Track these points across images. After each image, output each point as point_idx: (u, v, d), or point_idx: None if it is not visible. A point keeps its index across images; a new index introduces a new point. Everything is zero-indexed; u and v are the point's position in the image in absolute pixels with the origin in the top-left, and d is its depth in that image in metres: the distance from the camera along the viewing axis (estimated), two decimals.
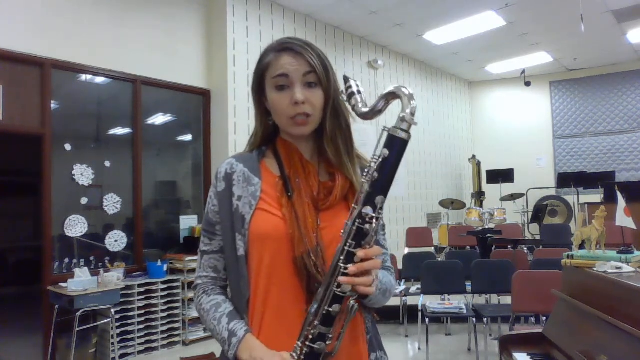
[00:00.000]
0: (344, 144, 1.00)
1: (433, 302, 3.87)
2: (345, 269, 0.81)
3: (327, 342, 0.83)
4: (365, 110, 0.88)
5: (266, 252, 0.94)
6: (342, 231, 0.84)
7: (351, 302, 0.84)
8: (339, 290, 0.82)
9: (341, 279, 0.80)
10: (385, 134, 0.84)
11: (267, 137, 1.05)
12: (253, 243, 0.94)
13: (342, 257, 0.82)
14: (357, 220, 0.82)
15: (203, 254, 1.03)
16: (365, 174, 0.84)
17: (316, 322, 0.82)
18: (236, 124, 4.95)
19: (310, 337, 0.82)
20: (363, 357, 0.97)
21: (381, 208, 0.83)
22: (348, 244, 0.82)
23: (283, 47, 0.97)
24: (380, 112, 0.88)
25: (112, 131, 4.50)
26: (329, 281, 0.83)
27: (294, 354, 0.83)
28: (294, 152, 1.00)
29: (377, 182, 0.83)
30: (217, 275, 1.03)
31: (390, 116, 1.01)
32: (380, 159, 0.83)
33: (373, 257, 0.82)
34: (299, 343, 0.84)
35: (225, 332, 0.92)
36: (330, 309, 0.82)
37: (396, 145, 0.83)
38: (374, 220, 0.82)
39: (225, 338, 0.92)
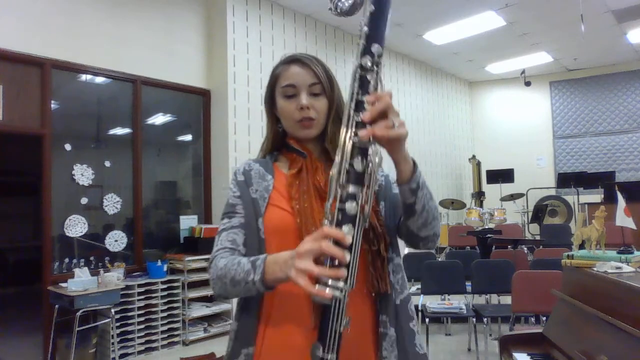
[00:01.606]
0: None
1: (433, 302, 3.87)
2: (358, 117, 0.80)
3: (359, 202, 0.78)
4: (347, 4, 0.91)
5: (274, 245, 0.97)
6: (349, 85, 0.84)
7: (373, 148, 0.80)
8: (357, 139, 0.79)
9: (360, 132, 0.78)
10: None
11: (277, 143, 1.13)
12: (266, 236, 1.00)
13: (352, 107, 0.82)
14: (359, 71, 0.82)
15: (222, 231, 1.04)
16: (359, 31, 0.84)
17: (342, 181, 0.79)
18: (236, 124, 4.95)
19: (339, 197, 0.79)
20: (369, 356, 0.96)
21: (379, 56, 0.82)
22: (355, 93, 0.82)
23: (291, 59, 1.07)
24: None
25: (112, 131, 4.50)
26: (345, 132, 0.81)
27: (326, 220, 0.80)
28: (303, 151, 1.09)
29: (369, 34, 0.82)
30: (235, 247, 1.01)
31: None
32: (368, 14, 0.83)
33: (381, 97, 0.80)
34: (328, 205, 0.80)
35: (248, 264, 0.91)
36: (353, 163, 0.79)
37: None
38: (376, 67, 0.82)
39: (249, 268, 0.90)
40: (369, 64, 0.82)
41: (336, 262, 0.76)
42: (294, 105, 1.04)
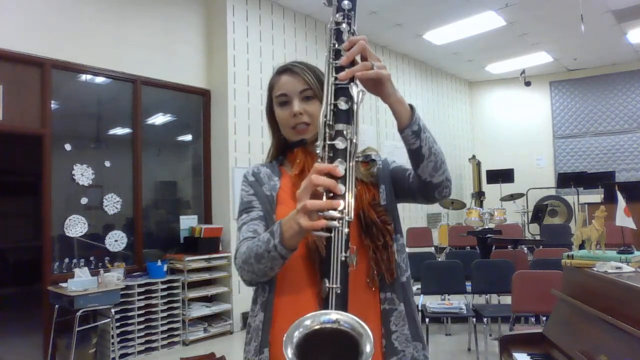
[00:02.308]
0: None
1: (433, 302, 3.87)
2: (336, 64, 0.86)
3: (347, 137, 0.83)
4: None
5: None
6: (325, 41, 0.91)
7: (354, 88, 0.86)
8: (338, 82, 0.85)
9: (340, 74, 0.85)
10: None
11: (281, 148, 1.19)
12: None
13: (332, 57, 0.88)
14: (333, 26, 0.89)
15: (242, 226, 1.07)
16: None
17: (329, 121, 0.84)
18: (236, 124, 4.95)
19: (329, 136, 0.84)
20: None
21: (350, 10, 0.90)
22: (332, 44, 0.88)
23: (282, 69, 1.13)
24: None
25: (112, 131, 4.50)
26: (327, 80, 0.87)
27: (319, 159, 0.84)
28: (305, 150, 1.12)
29: None
30: (256, 236, 1.02)
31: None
32: None
33: (356, 42, 0.86)
34: (320, 143, 0.85)
35: (266, 235, 0.94)
36: (336, 102, 0.85)
37: None
38: (347, 19, 0.89)
39: (269, 237, 0.92)
40: (341, 18, 0.89)
41: (331, 195, 0.80)
42: (287, 112, 1.09)
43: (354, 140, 0.84)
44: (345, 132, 0.83)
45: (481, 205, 8.10)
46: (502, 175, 7.96)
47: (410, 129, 0.93)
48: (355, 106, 0.85)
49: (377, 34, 6.62)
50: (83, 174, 4.10)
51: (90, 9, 4.20)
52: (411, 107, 0.94)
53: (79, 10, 4.13)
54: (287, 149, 1.17)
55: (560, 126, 8.74)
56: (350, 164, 0.82)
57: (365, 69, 0.85)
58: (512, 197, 7.61)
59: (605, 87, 8.33)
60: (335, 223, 0.78)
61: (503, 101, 9.31)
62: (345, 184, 0.81)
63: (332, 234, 0.79)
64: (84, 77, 4.25)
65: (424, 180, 0.99)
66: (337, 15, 0.89)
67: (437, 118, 8.38)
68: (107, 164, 4.29)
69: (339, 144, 0.83)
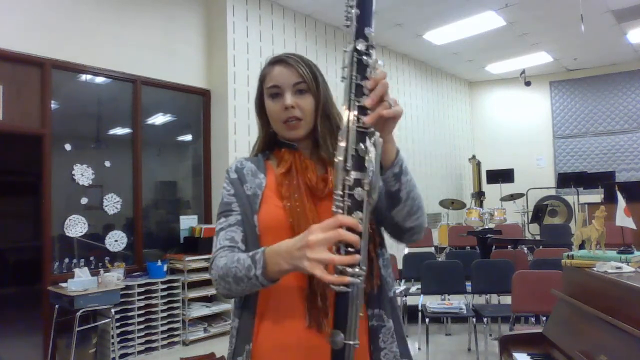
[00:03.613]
0: (333, 141, 1.05)
1: (433, 302, 3.87)
2: (359, 102, 0.81)
3: (365, 189, 0.80)
4: None
5: (268, 243, 0.94)
6: (343, 68, 0.85)
7: (376, 136, 0.82)
8: (360, 126, 0.81)
9: (365, 118, 0.80)
10: None
11: (269, 142, 1.14)
12: (261, 233, 1.00)
13: (352, 92, 0.82)
14: (355, 54, 0.83)
15: (219, 231, 1.02)
16: (346, 11, 0.85)
17: (348, 167, 0.80)
18: (236, 124, 4.95)
19: (348, 184, 0.80)
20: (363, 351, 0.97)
21: (372, 45, 0.84)
22: (353, 77, 0.82)
23: (275, 60, 1.08)
24: None
25: (112, 131, 4.50)
26: (347, 118, 0.82)
27: (338, 208, 0.80)
28: (293, 152, 1.09)
29: (361, 17, 0.83)
30: (234, 245, 0.99)
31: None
32: None
33: (380, 82, 0.81)
34: (339, 192, 0.81)
35: (248, 260, 0.89)
36: (357, 149, 0.80)
37: None
38: (371, 50, 0.83)
39: (250, 263, 0.88)
40: (364, 48, 0.83)
41: (349, 249, 0.78)
42: (279, 105, 1.05)
43: (374, 195, 0.81)
44: (363, 182, 0.79)
45: (481, 205, 8.10)
46: (502, 175, 7.96)
47: (392, 171, 0.91)
48: (376, 154, 0.82)
49: (377, 34, 6.53)
50: (83, 174, 4.10)
51: (90, 9, 4.20)
52: (397, 148, 0.92)
53: (79, 10, 4.12)
54: (275, 144, 1.13)
55: (560, 126, 8.74)
56: (367, 218, 0.80)
57: (386, 109, 0.82)
58: (512, 197, 7.61)
59: (605, 87, 8.33)
60: (358, 280, 0.77)
61: (503, 101, 9.31)
62: (360, 238, 0.79)
63: (351, 290, 0.77)
64: (84, 77, 4.25)
65: (396, 222, 0.97)
66: (360, 44, 0.82)
67: (437, 118, 8.38)
68: (107, 164, 4.29)
69: (358, 195, 0.79)
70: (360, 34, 0.83)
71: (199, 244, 4.53)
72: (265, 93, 1.08)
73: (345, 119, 0.83)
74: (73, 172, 4.04)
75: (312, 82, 1.06)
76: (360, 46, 0.82)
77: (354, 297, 0.78)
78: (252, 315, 0.98)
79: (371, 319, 0.99)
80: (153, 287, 4.13)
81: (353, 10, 0.84)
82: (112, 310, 3.70)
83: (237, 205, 1.03)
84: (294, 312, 0.94)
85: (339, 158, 0.81)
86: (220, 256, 0.97)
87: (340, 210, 0.80)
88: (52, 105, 3.96)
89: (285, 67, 1.05)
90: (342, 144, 0.81)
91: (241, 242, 1.00)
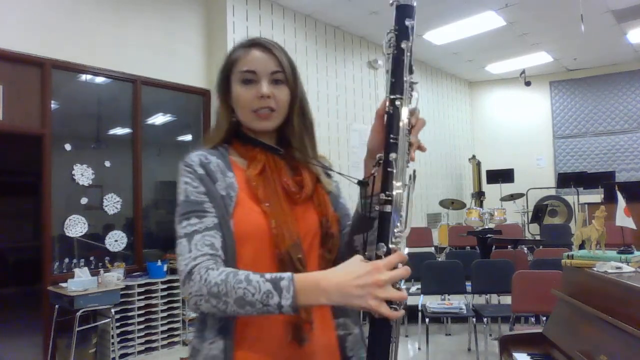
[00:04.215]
0: (310, 141, 1.03)
1: (433, 302, 3.87)
2: (393, 138, 0.82)
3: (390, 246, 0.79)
4: None
5: (247, 251, 0.89)
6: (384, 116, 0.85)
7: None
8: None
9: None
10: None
11: (231, 134, 1.02)
12: (237, 240, 0.90)
13: (404, 134, 0.82)
14: (389, 108, 0.83)
15: (194, 233, 0.86)
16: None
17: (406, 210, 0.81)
18: None
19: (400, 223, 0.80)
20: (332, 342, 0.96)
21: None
22: (392, 138, 0.82)
23: (253, 42, 0.98)
24: None
25: (112, 131, 4.50)
26: (402, 150, 0.81)
27: (394, 245, 0.80)
28: (259, 149, 0.99)
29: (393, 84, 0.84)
30: (215, 252, 0.85)
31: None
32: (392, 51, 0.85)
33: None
34: (398, 225, 0.80)
35: (267, 284, 0.77)
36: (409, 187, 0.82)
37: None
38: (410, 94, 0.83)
39: (270, 289, 0.76)
40: (397, 98, 0.84)
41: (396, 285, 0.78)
42: (252, 93, 0.95)
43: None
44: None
45: (481, 205, 8.10)
46: (502, 175, 7.96)
47: (365, 197, 0.89)
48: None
49: (377, 34, 6.62)
50: (83, 174, 4.10)
51: (90, 9, 4.20)
52: None
53: (79, 10, 4.12)
54: (236, 136, 1.01)
55: (560, 126, 8.74)
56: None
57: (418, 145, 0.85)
58: (512, 197, 7.61)
59: (605, 87, 8.33)
60: (403, 312, 0.78)
61: (503, 101, 9.31)
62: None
63: (393, 323, 0.78)
64: (84, 77, 4.25)
65: (352, 247, 0.95)
66: (394, 95, 0.83)
67: (437, 118, 8.38)
68: (107, 164, 4.29)
69: (405, 233, 0.80)
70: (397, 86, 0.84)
71: None
72: (236, 78, 0.97)
73: (400, 162, 0.81)
74: (73, 172, 4.04)
75: (290, 73, 0.98)
76: (399, 95, 0.84)
77: (397, 329, 0.79)
78: (231, 340, 0.87)
79: (337, 328, 0.96)
80: (153, 287, 4.13)
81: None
82: (112, 310, 3.70)
83: (212, 206, 0.89)
84: (276, 330, 0.89)
85: (400, 196, 0.80)
86: (207, 267, 0.82)
87: (396, 246, 0.79)
88: (52, 105, 3.96)
89: (264, 53, 0.97)
90: (398, 183, 0.80)
91: (221, 250, 0.87)
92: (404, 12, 0.84)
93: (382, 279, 0.74)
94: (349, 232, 0.99)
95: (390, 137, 0.81)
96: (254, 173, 0.94)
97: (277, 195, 0.93)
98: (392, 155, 0.80)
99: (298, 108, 1.01)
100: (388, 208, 0.79)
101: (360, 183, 0.88)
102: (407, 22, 0.84)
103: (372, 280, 0.74)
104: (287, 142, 1.01)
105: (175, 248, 0.89)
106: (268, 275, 0.78)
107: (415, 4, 0.85)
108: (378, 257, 0.78)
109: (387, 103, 0.83)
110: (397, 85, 0.83)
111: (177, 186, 0.96)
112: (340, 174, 1.05)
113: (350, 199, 1.02)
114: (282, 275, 0.78)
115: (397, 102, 0.82)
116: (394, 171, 0.80)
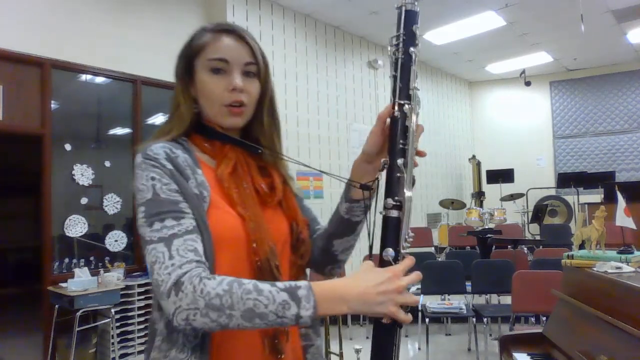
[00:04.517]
0: (279, 141, 0.98)
1: (433, 302, 3.87)
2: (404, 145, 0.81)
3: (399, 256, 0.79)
4: None
5: (224, 257, 0.81)
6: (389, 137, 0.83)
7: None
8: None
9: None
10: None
11: (190, 127, 0.91)
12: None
13: (411, 157, 0.80)
14: (397, 113, 0.82)
15: (172, 237, 0.75)
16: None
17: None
18: None
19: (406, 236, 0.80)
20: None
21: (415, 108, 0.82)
22: (401, 144, 0.81)
23: (225, 28, 0.90)
24: None
25: (112, 131, 4.50)
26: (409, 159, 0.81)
27: (404, 249, 0.80)
28: (229, 146, 0.90)
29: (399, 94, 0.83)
30: (200, 259, 0.76)
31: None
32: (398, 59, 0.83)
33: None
34: (408, 232, 0.80)
35: (281, 294, 0.71)
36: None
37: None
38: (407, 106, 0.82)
39: (286, 299, 0.70)
40: (405, 105, 0.83)
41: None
42: (222, 84, 0.87)
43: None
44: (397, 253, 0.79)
45: (481, 205, 8.10)
46: (502, 175, 7.96)
47: (366, 202, 0.88)
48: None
49: (377, 34, 6.62)
50: (83, 174, 4.10)
51: (90, 9, 4.20)
52: None
53: (79, 11, 4.12)
54: (197, 129, 0.91)
55: (560, 126, 8.74)
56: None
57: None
58: (512, 197, 7.61)
59: (605, 87, 8.33)
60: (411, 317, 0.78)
61: (503, 101, 9.31)
62: None
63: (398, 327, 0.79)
64: (84, 77, 4.25)
65: (331, 251, 0.93)
66: (403, 101, 0.82)
67: (437, 118, 8.38)
68: (107, 164, 4.28)
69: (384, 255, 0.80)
70: (404, 94, 0.83)
71: None
72: (203, 65, 0.88)
73: (405, 176, 0.80)
74: (73, 172, 4.04)
75: (264, 67, 0.91)
76: (401, 102, 0.83)
77: (399, 332, 0.79)
78: (206, 354, 0.80)
79: (301, 338, 0.94)
80: None
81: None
82: (112, 310, 3.70)
83: (187, 206, 0.79)
84: (252, 339, 0.84)
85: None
86: (201, 276, 0.72)
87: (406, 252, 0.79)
88: (52, 105, 3.96)
89: (238, 42, 0.89)
90: (409, 193, 0.80)
91: (204, 257, 0.77)
92: (411, 17, 0.84)
93: (402, 284, 0.74)
94: (327, 236, 0.96)
95: (399, 143, 0.81)
96: (226, 172, 0.86)
97: (252, 198, 0.86)
98: (401, 161, 0.80)
99: (268, 104, 0.95)
100: (396, 213, 0.79)
101: (363, 187, 0.87)
102: (414, 28, 0.84)
103: (394, 286, 0.73)
104: (254, 141, 0.94)
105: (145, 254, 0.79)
106: (281, 285, 0.72)
107: (418, 9, 0.85)
108: (386, 263, 0.77)
109: (396, 108, 0.82)
110: (404, 91, 0.83)
111: (136, 182, 0.81)
112: (337, 177, 1.00)
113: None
114: (298, 284, 0.72)
115: (406, 108, 0.82)
116: (404, 176, 0.79)
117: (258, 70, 0.90)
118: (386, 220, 0.79)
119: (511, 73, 8.57)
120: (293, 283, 0.73)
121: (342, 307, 0.72)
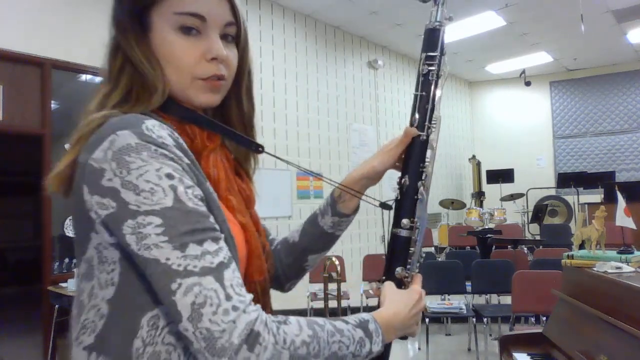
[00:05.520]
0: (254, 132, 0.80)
1: (433, 302, 3.87)
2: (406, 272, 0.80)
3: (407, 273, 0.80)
4: None
5: None
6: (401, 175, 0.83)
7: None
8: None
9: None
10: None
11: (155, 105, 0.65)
12: None
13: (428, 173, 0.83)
14: (423, 136, 0.84)
15: (221, 268, 0.55)
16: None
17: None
18: None
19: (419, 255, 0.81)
20: None
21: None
22: (421, 166, 0.84)
23: None
24: None
25: None
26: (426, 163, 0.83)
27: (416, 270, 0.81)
28: (207, 134, 0.69)
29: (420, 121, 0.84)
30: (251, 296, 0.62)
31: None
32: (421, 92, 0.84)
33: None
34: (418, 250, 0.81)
35: (357, 331, 0.64)
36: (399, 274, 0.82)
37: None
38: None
39: (362, 336, 0.64)
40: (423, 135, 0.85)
41: None
42: (197, 50, 0.64)
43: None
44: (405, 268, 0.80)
45: (481, 205, 8.10)
46: (502, 175, 7.96)
47: (352, 217, 0.86)
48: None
49: (377, 34, 6.62)
50: None
51: (91, 9, 4.20)
52: None
53: (79, 11, 4.12)
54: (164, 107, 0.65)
55: (560, 126, 8.74)
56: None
57: None
58: (512, 197, 7.61)
59: (605, 87, 8.33)
60: None
61: (503, 101, 9.31)
62: None
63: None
64: (84, 77, 4.25)
65: (302, 267, 0.87)
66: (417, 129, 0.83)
67: None
68: None
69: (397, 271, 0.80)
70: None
71: None
72: (167, 20, 0.64)
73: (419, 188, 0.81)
74: None
75: (244, 32, 0.70)
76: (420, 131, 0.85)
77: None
78: None
79: None
80: None
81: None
82: None
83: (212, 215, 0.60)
84: None
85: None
86: (276, 321, 0.57)
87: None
88: (52, 105, 3.95)
89: None
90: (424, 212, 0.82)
91: None
92: (443, 37, 0.84)
93: (421, 305, 0.77)
94: (300, 251, 0.86)
95: (420, 166, 0.83)
96: (222, 171, 0.68)
97: (243, 203, 0.71)
98: (420, 183, 0.83)
99: (246, 87, 0.75)
100: (407, 233, 0.80)
101: (383, 206, 0.84)
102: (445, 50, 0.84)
103: (421, 307, 0.76)
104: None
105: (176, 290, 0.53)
106: (351, 320, 0.65)
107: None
108: (400, 281, 0.79)
109: (425, 130, 0.82)
110: (432, 113, 0.84)
111: (130, 177, 0.55)
112: (351, 190, 0.84)
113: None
114: (365, 318, 0.66)
115: (431, 131, 0.83)
116: (424, 199, 0.81)
117: (238, 34, 0.69)
118: (399, 239, 0.80)
119: (511, 73, 8.57)
120: (360, 316, 0.66)
121: (392, 336, 0.71)
